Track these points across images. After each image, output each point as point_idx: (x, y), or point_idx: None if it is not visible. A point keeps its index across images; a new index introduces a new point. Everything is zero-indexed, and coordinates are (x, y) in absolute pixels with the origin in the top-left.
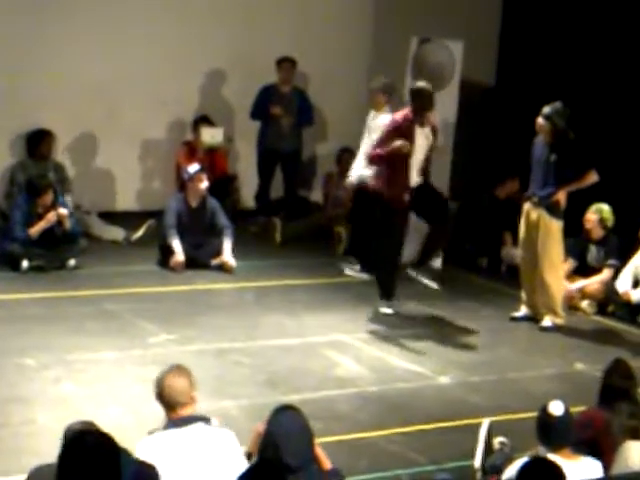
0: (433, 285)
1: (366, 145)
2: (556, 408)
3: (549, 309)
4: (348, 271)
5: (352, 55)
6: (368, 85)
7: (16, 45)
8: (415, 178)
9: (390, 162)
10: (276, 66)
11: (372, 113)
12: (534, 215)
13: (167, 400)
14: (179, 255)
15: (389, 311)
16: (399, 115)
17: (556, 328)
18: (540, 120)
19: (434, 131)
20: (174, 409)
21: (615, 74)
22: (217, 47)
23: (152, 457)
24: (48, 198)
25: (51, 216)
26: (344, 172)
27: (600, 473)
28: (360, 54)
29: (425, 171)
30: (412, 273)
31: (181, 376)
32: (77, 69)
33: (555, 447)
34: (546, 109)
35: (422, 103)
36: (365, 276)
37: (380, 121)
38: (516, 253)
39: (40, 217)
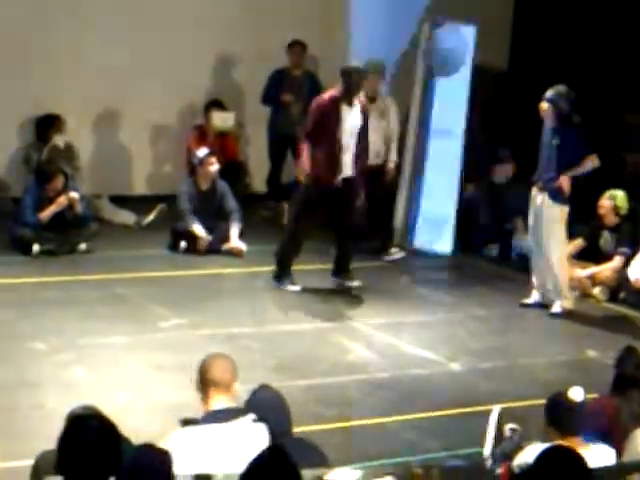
0: (354, 283)
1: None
2: (577, 394)
3: (557, 293)
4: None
5: (364, 41)
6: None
7: (29, 28)
8: (348, 163)
9: (317, 141)
10: (287, 50)
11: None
12: (539, 200)
13: (211, 376)
14: (205, 237)
15: (296, 288)
16: (326, 95)
17: (565, 314)
18: (543, 104)
19: (364, 111)
20: (217, 389)
21: (629, 59)
22: (228, 31)
23: (191, 450)
24: (58, 183)
25: (62, 200)
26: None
27: (613, 460)
28: (373, 40)
29: (360, 157)
30: (337, 281)
31: (227, 358)
32: (89, 53)
33: (568, 434)
34: (549, 93)
35: (350, 84)
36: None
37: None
38: (526, 242)
39: (51, 201)
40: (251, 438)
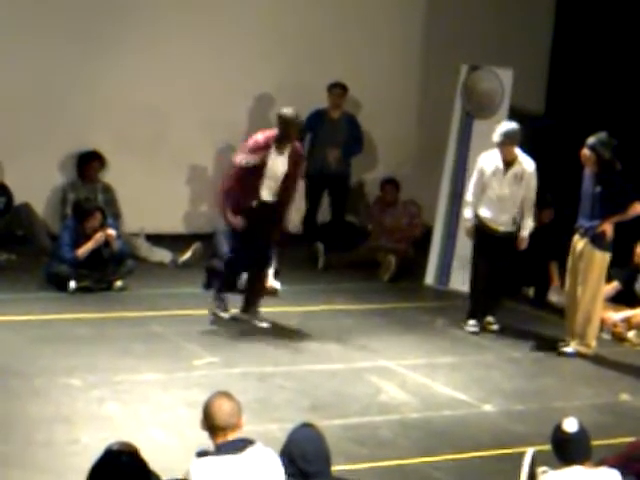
0: (264, 325)
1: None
2: (571, 425)
3: (580, 336)
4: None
5: (402, 82)
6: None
7: (68, 67)
8: (266, 193)
9: (241, 181)
10: (327, 91)
11: (497, 156)
12: (580, 245)
13: (218, 423)
14: (244, 277)
15: (226, 315)
16: (263, 135)
17: (578, 355)
18: (585, 151)
19: (296, 158)
20: (224, 432)
21: None
22: (266, 72)
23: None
24: (96, 220)
25: (99, 236)
26: (386, 201)
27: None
28: (410, 81)
29: (284, 197)
30: (244, 317)
31: (230, 400)
32: (127, 92)
33: (571, 463)
34: (590, 140)
35: (286, 132)
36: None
37: (531, 168)
38: (560, 298)
39: (88, 238)
40: (265, 464)
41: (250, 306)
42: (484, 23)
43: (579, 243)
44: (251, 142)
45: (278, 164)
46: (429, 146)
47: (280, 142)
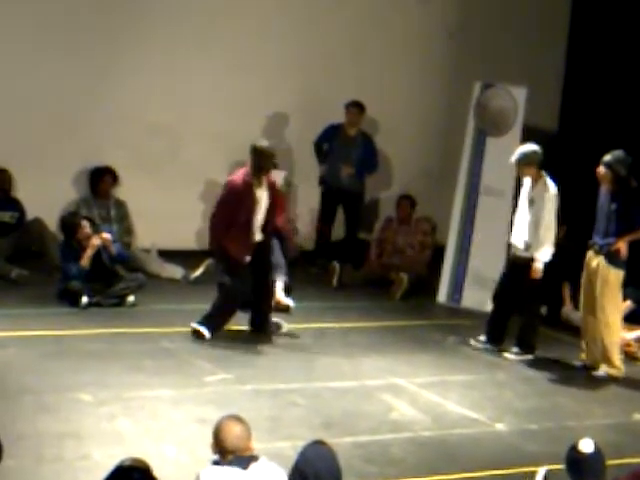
0: (284, 329)
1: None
2: (587, 445)
3: (604, 358)
4: (509, 355)
5: (419, 100)
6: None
7: (82, 83)
8: (257, 235)
9: (231, 221)
10: (344, 110)
11: (527, 180)
12: (594, 263)
13: (227, 446)
14: None
15: (208, 335)
16: (238, 177)
17: (609, 378)
18: (601, 168)
19: (272, 189)
20: (234, 455)
21: None
22: (282, 90)
23: None
24: (85, 229)
25: (94, 240)
26: (400, 218)
27: None
28: (427, 100)
29: (267, 228)
30: (273, 329)
31: (240, 423)
32: (141, 108)
33: None
34: (607, 157)
35: (261, 163)
36: (528, 356)
37: (547, 192)
38: (574, 316)
39: (85, 249)
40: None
41: (267, 322)
42: (499, 42)
43: (593, 260)
44: (229, 184)
45: (263, 198)
46: (443, 164)
47: (258, 174)
